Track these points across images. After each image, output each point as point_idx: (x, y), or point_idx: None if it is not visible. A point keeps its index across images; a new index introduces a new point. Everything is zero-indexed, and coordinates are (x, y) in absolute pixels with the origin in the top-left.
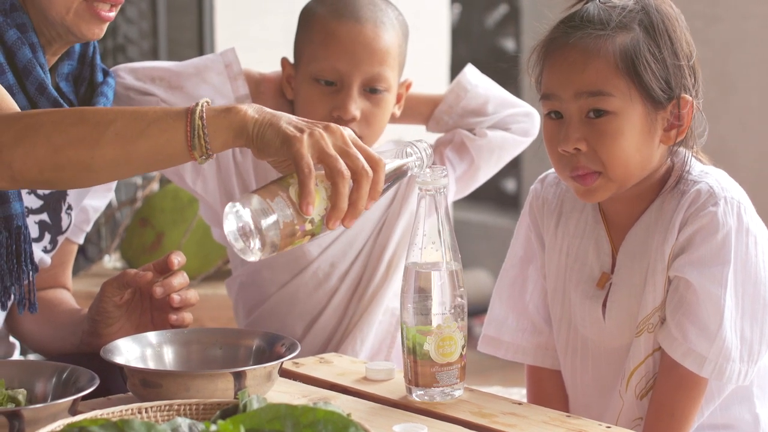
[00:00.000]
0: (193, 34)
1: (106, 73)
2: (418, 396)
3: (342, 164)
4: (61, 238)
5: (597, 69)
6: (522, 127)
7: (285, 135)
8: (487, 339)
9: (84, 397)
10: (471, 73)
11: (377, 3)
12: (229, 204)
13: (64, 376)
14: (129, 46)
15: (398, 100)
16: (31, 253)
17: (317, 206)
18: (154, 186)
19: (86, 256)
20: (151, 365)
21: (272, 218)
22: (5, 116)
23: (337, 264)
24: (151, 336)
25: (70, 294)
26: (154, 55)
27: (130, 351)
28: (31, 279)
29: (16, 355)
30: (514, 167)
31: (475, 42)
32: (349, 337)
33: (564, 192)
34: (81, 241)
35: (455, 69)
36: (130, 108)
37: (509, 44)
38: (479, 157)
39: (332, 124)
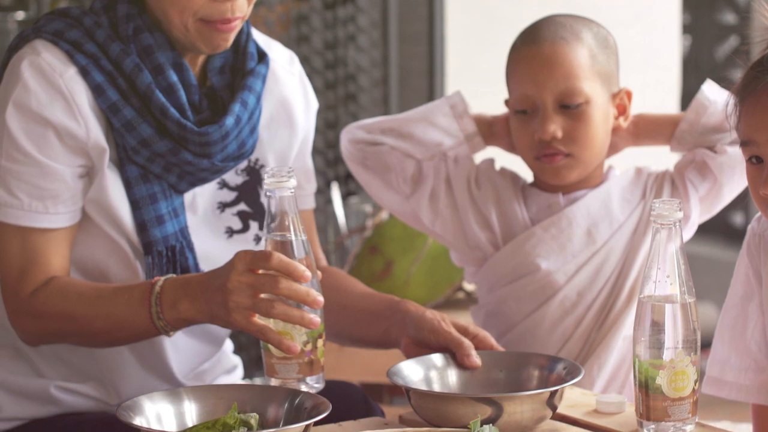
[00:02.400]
0: (423, 64)
1: (262, 57)
2: (649, 430)
3: (265, 304)
4: None
5: None
6: None
7: (224, 321)
8: (711, 380)
9: (316, 423)
10: (709, 89)
11: (561, 22)
12: None
13: (297, 401)
14: (360, 74)
15: (622, 111)
16: (187, 262)
17: (294, 337)
18: (384, 214)
19: None
20: (436, 388)
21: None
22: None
23: (584, 293)
24: (436, 358)
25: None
26: (385, 84)
27: (414, 373)
28: None
29: (239, 373)
30: (742, 200)
31: (705, 74)
32: (586, 364)
33: None
34: (311, 204)
35: (685, 102)
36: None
37: (739, 77)
38: (721, 174)
39: (229, 283)
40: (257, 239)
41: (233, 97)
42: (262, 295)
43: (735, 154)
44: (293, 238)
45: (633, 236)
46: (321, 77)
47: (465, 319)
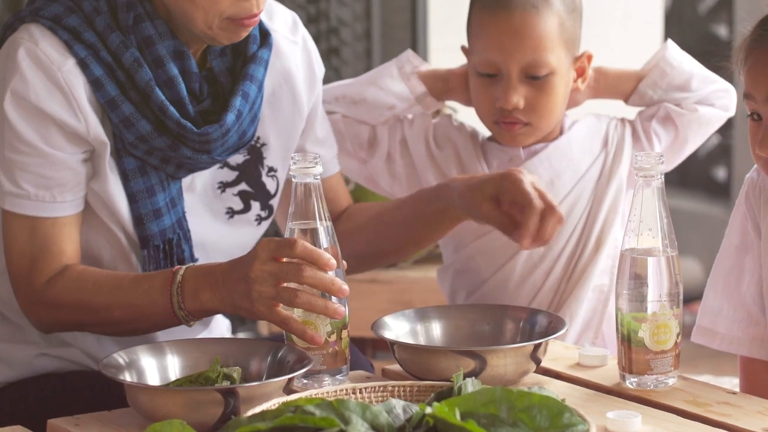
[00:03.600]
0: (406, 17)
1: (265, 37)
2: (631, 383)
3: (289, 293)
4: (274, 202)
5: None
6: (724, 102)
7: (248, 312)
8: (702, 330)
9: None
10: (674, 48)
11: None
12: None
13: (279, 355)
14: (342, 28)
15: (580, 74)
16: (183, 254)
17: (318, 327)
18: None
19: None
20: (421, 341)
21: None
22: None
23: (552, 244)
24: (418, 312)
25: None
26: (368, 38)
27: (399, 326)
28: None
29: (227, 334)
30: (725, 156)
31: (687, 28)
32: (558, 314)
33: None
34: (335, 169)
35: None
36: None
37: (722, 31)
38: (687, 130)
39: (252, 272)
40: (259, 219)
41: (234, 83)
42: (286, 284)
43: (705, 114)
44: (318, 225)
45: (597, 185)
46: None
47: None
